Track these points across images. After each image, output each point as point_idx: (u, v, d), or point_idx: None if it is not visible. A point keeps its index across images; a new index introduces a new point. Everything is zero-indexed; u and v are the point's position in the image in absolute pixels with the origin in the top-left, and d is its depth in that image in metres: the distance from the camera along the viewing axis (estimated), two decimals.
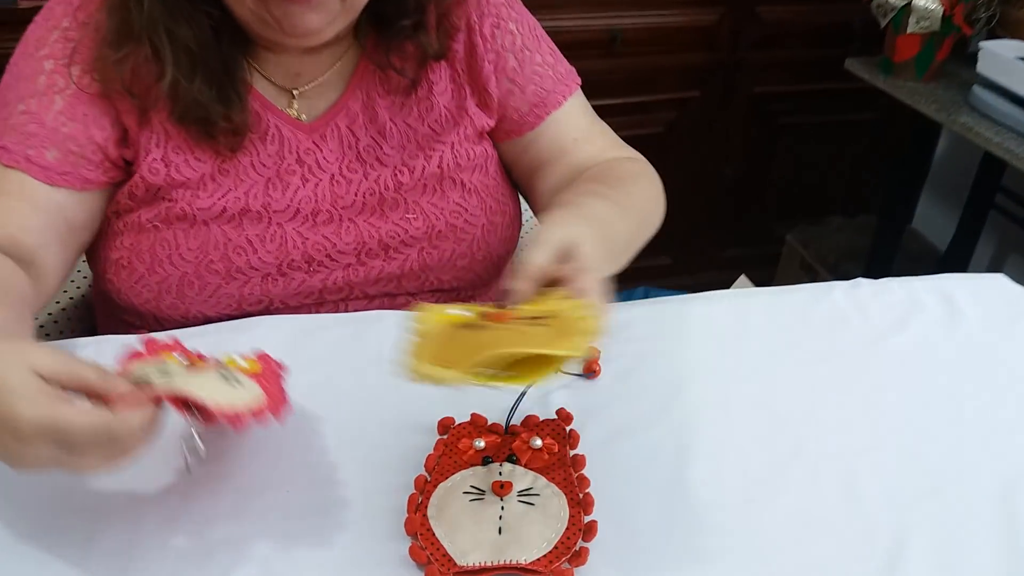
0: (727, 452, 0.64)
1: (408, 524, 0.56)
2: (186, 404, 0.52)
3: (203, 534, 0.56)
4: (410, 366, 0.52)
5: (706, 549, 0.56)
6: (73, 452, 0.48)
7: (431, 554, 0.54)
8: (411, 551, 0.54)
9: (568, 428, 0.64)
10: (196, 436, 0.56)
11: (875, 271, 0.76)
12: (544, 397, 0.68)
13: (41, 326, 0.89)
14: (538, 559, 0.53)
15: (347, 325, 0.76)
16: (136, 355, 0.59)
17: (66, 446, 0.48)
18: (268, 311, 0.79)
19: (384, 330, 0.75)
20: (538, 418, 0.65)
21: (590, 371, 0.70)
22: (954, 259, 1.86)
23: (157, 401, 0.51)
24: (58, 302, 0.93)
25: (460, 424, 0.65)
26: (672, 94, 1.87)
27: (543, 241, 0.59)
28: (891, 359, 0.74)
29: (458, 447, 0.62)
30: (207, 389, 0.53)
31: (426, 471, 0.61)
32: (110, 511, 0.58)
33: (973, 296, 0.81)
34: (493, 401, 0.67)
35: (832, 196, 2.14)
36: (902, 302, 0.81)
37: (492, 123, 0.83)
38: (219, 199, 0.74)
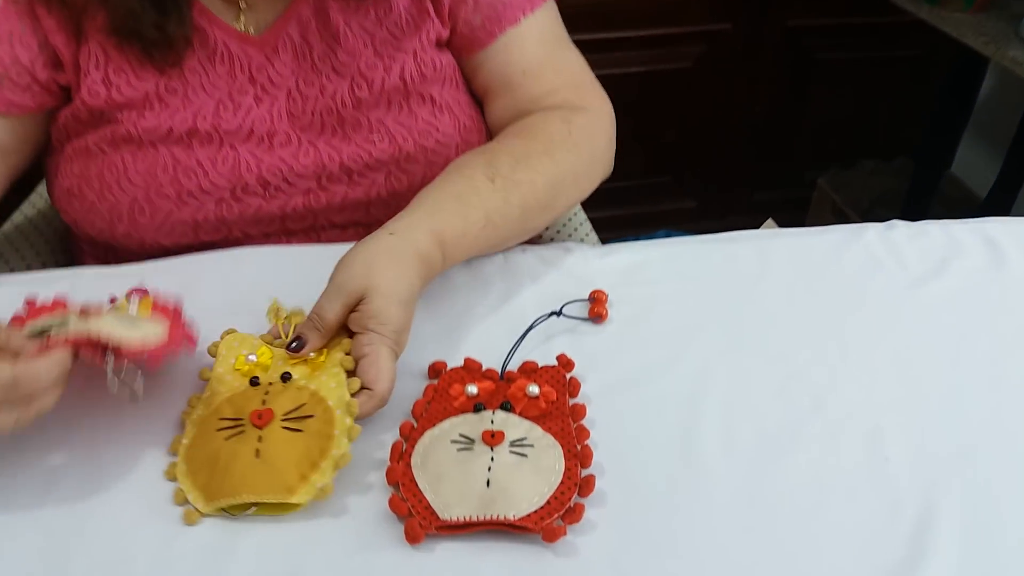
0: (741, 406, 0.59)
1: (389, 473, 0.52)
2: (97, 346, 0.48)
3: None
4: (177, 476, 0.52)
5: (713, 510, 0.52)
6: None
7: (412, 506, 0.50)
8: (391, 502, 0.50)
9: (568, 375, 0.60)
10: (135, 373, 0.52)
11: (910, 217, 0.70)
12: (546, 342, 0.63)
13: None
14: (528, 515, 0.49)
15: (320, 257, 0.71)
16: (19, 319, 0.55)
17: None
18: (228, 241, 0.74)
19: None
20: (536, 364, 0.60)
21: (596, 315, 0.65)
22: (994, 207, 1.77)
23: (66, 347, 0.47)
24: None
25: (453, 369, 0.60)
26: (701, 26, 1.77)
27: (335, 287, 0.58)
28: (926, 308, 0.67)
29: (449, 393, 0.58)
30: (116, 330, 0.49)
31: (413, 417, 0.56)
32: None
33: (1019, 241, 0.75)
34: (490, 344, 0.62)
35: (867, 138, 2.03)
36: (940, 246, 0.74)
37: (446, 33, 0.75)
38: (166, 120, 0.69)
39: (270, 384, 0.56)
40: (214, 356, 0.59)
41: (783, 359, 0.62)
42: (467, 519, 0.49)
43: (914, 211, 1.82)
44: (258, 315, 0.65)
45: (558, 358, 0.61)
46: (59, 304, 0.56)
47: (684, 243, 0.75)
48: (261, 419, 0.53)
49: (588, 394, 0.59)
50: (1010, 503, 0.52)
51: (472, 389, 0.57)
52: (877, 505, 0.52)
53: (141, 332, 0.51)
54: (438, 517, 0.49)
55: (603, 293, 0.66)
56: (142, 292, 0.60)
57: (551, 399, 0.57)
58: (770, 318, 0.66)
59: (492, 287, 0.69)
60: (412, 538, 0.49)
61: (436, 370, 0.60)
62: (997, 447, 0.56)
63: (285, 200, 0.73)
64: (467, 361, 0.60)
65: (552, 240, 0.95)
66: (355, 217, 0.76)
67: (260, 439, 0.52)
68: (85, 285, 0.68)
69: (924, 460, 0.55)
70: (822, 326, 0.65)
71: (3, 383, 0.44)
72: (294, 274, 0.68)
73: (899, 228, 0.76)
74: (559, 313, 0.65)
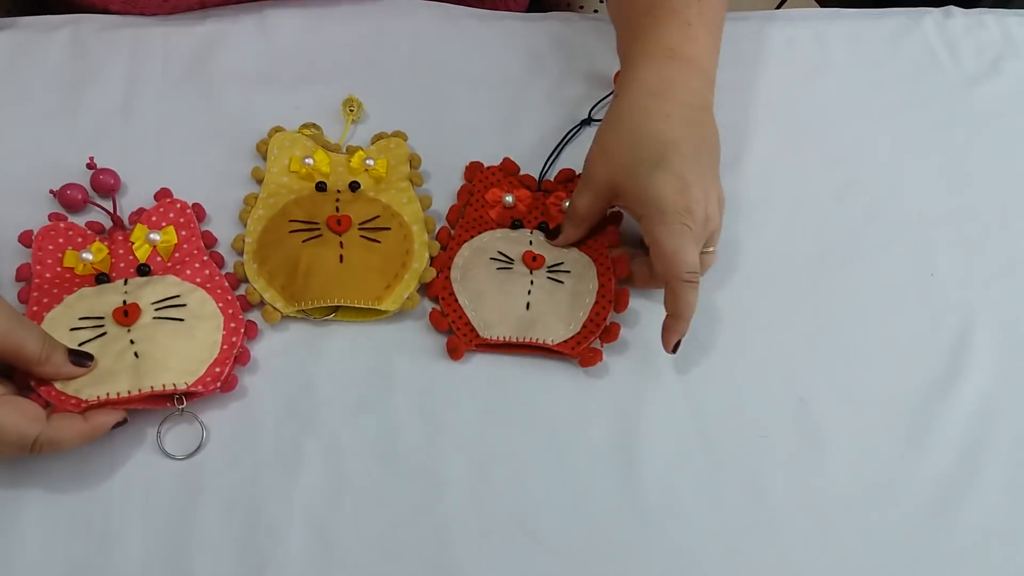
0: (800, 211, 0.59)
1: (430, 287, 0.51)
2: (157, 398, 0.45)
3: None
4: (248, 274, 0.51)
5: (766, 318, 0.53)
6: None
7: (453, 322, 0.50)
8: (432, 316, 0.50)
9: None
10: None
11: None
12: (585, 144, 0.60)
13: None
14: (565, 340, 0.50)
15: (363, 16, 0.64)
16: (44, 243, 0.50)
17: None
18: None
19: (415, 27, 0.64)
20: (574, 172, 0.57)
21: None
22: None
23: (117, 412, 0.44)
24: None
25: (489, 168, 0.57)
26: None
27: (586, 181, 0.52)
28: (980, 110, 0.67)
29: (485, 198, 0.55)
30: (166, 360, 0.45)
31: (448, 223, 0.55)
32: None
33: None
34: (527, 145, 0.59)
35: None
36: (996, 42, 0.72)
37: None
38: None
39: (338, 191, 0.54)
40: (262, 154, 0.55)
41: (842, 162, 0.62)
42: (507, 339, 0.49)
43: None
44: (289, 85, 0.60)
45: None
46: (91, 231, 0.51)
47: (744, 20, 0.70)
48: (340, 225, 0.51)
49: None
50: None
51: (509, 199, 0.55)
52: (923, 318, 0.55)
53: (195, 343, 0.47)
54: (478, 335, 0.49)
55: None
56: (159, 213, 0.52)
57: None
58: (829, 117, 0.64)
59: (546, 67, 0.64)
60: (454, 353, 0.49)
61: (473, 170, 0.57)
62: None
63: None
64: (505, 161, 0.57)
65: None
66: None
67: (342, 244, 0.50)
68: (89, 38, 0.60)
69: (968, 277, 0.57)
70: (879, 127, 0.64)
71: (29, 443, 0.41)
72: (324, 39, 0.62)
73: (956, 16, 0.73)
74: (589, 121, 0.61)
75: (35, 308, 0.47)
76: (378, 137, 0.58)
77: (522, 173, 0.58)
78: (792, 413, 0.50)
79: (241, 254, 0.52)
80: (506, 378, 0.50)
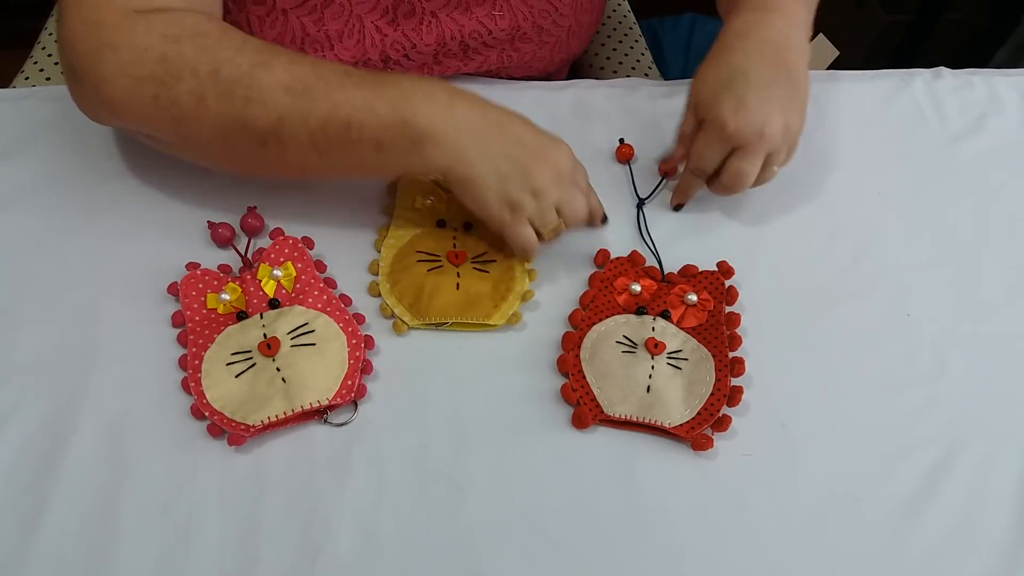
0: (790, 255, 0.66)
1: (561, 362, 0.59)
2: (307, 414, 0.55)
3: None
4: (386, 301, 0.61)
5: (756, 351, 0.61)
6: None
7: (580, 396, 0.57)
8: (563, 390, 0.57)
9: (727, 283, 0.64)
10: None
11: None
12: (700, 238, 0.67)
13: None
14: (680, 425, 0.56)
15: None
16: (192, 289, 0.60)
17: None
18: None
19: None
20: (696, 268, 0.64)
21: (665, 173, 0.71)
22: None
23: (282, 425, 0.55)
24: None
25: (616, 259, 0.65)
26: None
27: (687, 103, 0.66)
28: (963, 165, 0.74)
29: (614, 285, 0.63)
30: (308, 382, 0.55)
31: (580, 306, 0.62)
32: None
33: None
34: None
35: None
36: (981, 101, 0.79)
37: None
38: None
39: (455, 230, 0.65)
40: (393, 193, 0.67)
41: (831, 211, 0.69)
42: (628, 417, 0.56)
43: None
44: None
45: (719, 265, 0.64)
46: (223, 273, 0.61)
47: None
48: (458, 259, 0.63)
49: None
50: (1015, 344, 0.62)
51: (636, 287, 0.62)
52: (898, 353, 0.62)
53: (326, 361, 0.57)
54: (603, 411, 0.57)
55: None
56: (276, 251, 0.62)
57: (708, 307, 0.62)
58: (821, 170, 0.72)
59: (565, 127, 0.73)
60: (580, 423, 0.56)
61: (603, 257, 0.65)
62: (1008, 302, 0.65)
63: (430, 69, 0.74)
64: (633, 253, 0.65)
65: (615, 71, 0.96)
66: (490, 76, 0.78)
67: (459, 275, 0.62)
68: None
69: (940, 316, 0.64)
70: (868, 180, 0.72)
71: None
72: None
73: (945, 78, 0.80)
74: (642, 204, 0.69)
75: (194, 349, 0.57)
76: None
77: (647, 265, 0.65)
78: (775, 435, 0.57)
79: (375, 274, 0.63)
80: (618, 455, 0.56)
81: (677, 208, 0.68)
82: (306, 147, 0.56)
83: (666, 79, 0.85)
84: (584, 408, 0.56)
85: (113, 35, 0.54)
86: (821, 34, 1.11)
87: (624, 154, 0.71)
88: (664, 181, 0.70)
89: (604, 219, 0.64)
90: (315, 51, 0.69)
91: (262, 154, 0.57)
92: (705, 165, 0.64)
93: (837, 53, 1.25)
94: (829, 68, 0.98)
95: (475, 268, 0.63)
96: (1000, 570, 0.53)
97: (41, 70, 0.87)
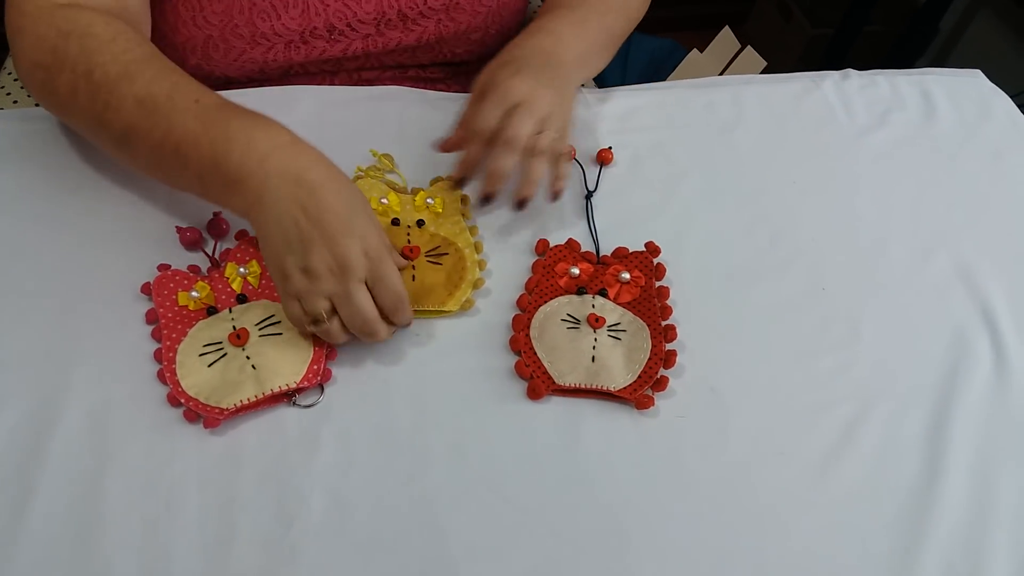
0: (716, 240, 0.73)
1: (513, 342, 0.64)
2: (277, 396, 0.59)
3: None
4: None
5: (686, 323, 0.66)
6: (354, 302, 0.58)
7: (534, 371, 0.63)
8: (516, 366, 0.63)
9: (656, 260, 0.70)
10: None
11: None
12: (630, 227, 0.73)
13: None
14: (624, 387, 0.62)
15: (359, 98, 0.80)
16: (162, 288, 0.64)
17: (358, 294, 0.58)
18: (288, 76, 0.81)
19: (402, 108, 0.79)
20: (627, 250, 0.71)
21: (602, 160, 0.76)
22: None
23: (254, 408, 0.59)
24: None
25: (556, 247, 0.71)
26: None
27: (473, 92, 0.69)
28: (867, 156, 0.81)
29: (555, 270, 0.69)
30: (277, 367, 0.60)
31: (526, 290, 0.68)
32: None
33: (949, 94, 0.88)
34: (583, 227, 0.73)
35: None
36: (885, 98, 0.87)
37: None
38: None
39: (408, 227, 0.70)
40: None
41: (750, 201, 0.76)
42: (577, 385, 0.62)
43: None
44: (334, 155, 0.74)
45: (646, 245, 0.71)
46: (193, 273, 0.65)
47: (670, 89, 0.85)
48: (412, 253, 0.68)
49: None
50: (917, 323, 0.69)
51: (575, 271, 0.68)
52: (814, 322, 0.68)
53: (292, 347, 0.61)
54: (554, 381, 0.62)
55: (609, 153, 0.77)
56: (242, 251, 0.67)
57: (640, 283, 0.68)
58: (742, 164, 0.79)
59: None
60: (535, 394, 0.61)
61: (543, 246, 0.70)
62: (911, 278, 0.72)
63: (347, 44, 0.80)
64: (570, 241, 0.71)
65: None
66: (401, 60, 0.84)
67: (414, 267, 0.67)
68: None
69: (851, 289, 0.71)
70: (783, 173, 0.79)
71: (400, 296, 0.60)
72: (344, 113, 0.78)
73: (852, 78, 0.88)
74: (590, 195, 0.75)
75: (168, 343, 0.61)
76: (435, 180, 0.74)
77: (583, 250, 0.71)
78: (705, 399, 0.63)
79: None
80: (570, 419, 0.63)
81: (486, 200, 0.68)
82: (150, 159, 0.62)
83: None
84: (537, 380, 0.62)
85: (24, 21, 0.64)
86: (749, 46, 1.19)
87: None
88: (601, 170, 0.76)
89: (401, 327, 0.63)
90: (263, 20, 0.75)
91: (121, 155, 0.65)
92: (482, 124, 0.66)
93: (765, 64, 1.34)
94: None
95: (429, 261, 0.68)
96: (910, 509, 0.59)
97: (8, 94, 0.91)
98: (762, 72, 1.35)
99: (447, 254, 0.69)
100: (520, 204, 0.68)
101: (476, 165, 0.68)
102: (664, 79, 1.22)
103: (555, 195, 0.70)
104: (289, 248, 0.56)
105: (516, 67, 0.68)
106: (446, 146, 0.72)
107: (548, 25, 0.74)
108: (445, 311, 0.65)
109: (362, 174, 0.74)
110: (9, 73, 0.95)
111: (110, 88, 0.61)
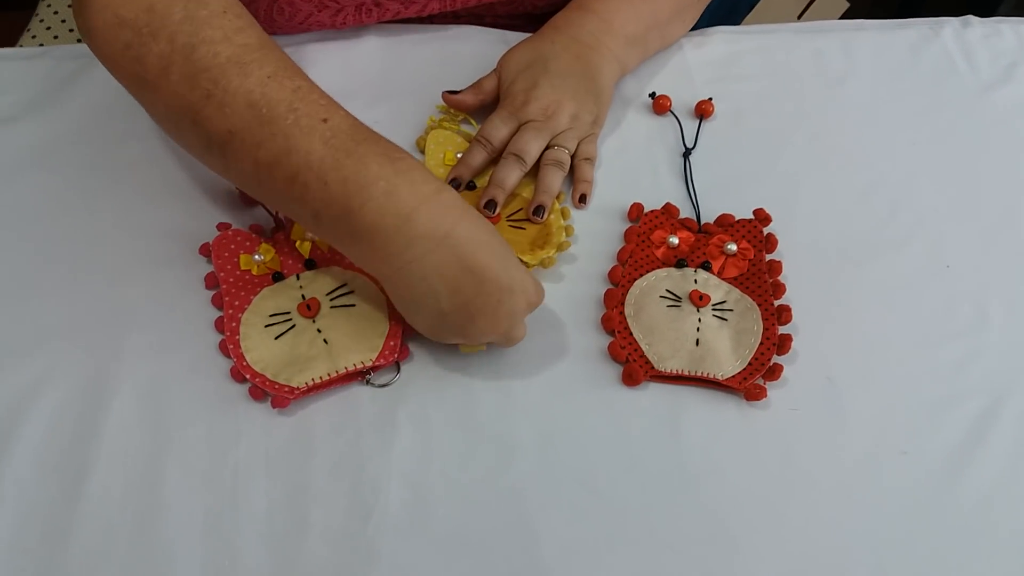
0: (826, 210, 0.65)
1: (605, 320, 0.58)
2: (352, 375, 0.54)
3: None
4: None
5: (797, 307, 0.59)
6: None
7: (630, 354, 0.56)
8: (610, 348, 0.57)
9: (766, 230, 0.63)
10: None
11: None
12: (734, 190, 0.66)
13: None
14: (732, 376, 0.55)
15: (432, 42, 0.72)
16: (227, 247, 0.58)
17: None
18: None
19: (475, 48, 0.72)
20: (733, 217, 0.63)
21: (701, 113, 0.69)
22: None
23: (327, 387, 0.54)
24: None
25: (651, 212, 0.63)
26: None
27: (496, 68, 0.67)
28: (993, 114, 0.73)
29: (651, 239, 0.62)
30: (351, 343, 0.54)
31: (619, 261, 0.61)
32: None
33: None
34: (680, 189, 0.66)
35: None
36: (1010, 49, 0.78)
37: None
38: None
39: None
40: (421, 150, 0.65)
41: (864, 165, 0.68)
42: (680, 372, 0.55)
43: None
44: (368, 103, 0.68)
45: (755, 212, 0.63)
46: (255, 234, 0.60)
47: (773, 33, 0.76)
48: (492, 217, 0.61)
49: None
50: None
51: (674, 240, 0.61)
52: (937, 305, 0.61)
53: (367, 321, 0.55)
54: (653, 367, 0.56)
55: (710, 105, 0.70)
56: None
57: (748, 256, 0.61)
58: (853, 122, 0.71)
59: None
60: (632, 380, 0.55)
61: (637, 211, 0.63)
62: None
63: (422, 6, 0.72)
64: (667, 205, 0.64)
65: None
66: (477, 11, 0.76)
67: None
68: None
69: (979, 267, 0.63)
70: (900, 132, 0.71)
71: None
72: (413, 53, 0.71)
73: (973, 26, 0.79)
74: (688, 153, 0.68)
75: (230, 311, 0.55)
76: None
77: (682, 216, 0.64)
78: (821, 390, 0.57)
79: None
80: (671, 409, 0.56)
81: (488, 206, 0.62)
82: (247, 174, 0.50)
83: None
84: (635, 365, 0.56)
85: None
86: None
87: (662, 106, 0.69)
88: (701, 124, 0.69)
89: None
90: None
91: (204, 156, 0.53)
92: (492, 135, 0.63)
93: (847, 5, 1.24)
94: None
95: (511, 226, 0.62)
96: None
97: (48, 28, 0.85)
98: (843, 15, 1.25)
99: (529, 220, 0.62)
100: (536, 211, 0.62)
101: (474, 171, 0.64)
102: (739, 21, 1.13)
103: (580, 199, 0.64)
104: (443, 322, 0.51)
105: (534, 78, 0.64)
106: (453, 101, 0.68)
107: (596, 5, 0.68)
108: (524, 262, 0.59)
109: (435, 124, 0.67)
110: (48, 5, 0.88)
111: (216, 76, 0.49)
